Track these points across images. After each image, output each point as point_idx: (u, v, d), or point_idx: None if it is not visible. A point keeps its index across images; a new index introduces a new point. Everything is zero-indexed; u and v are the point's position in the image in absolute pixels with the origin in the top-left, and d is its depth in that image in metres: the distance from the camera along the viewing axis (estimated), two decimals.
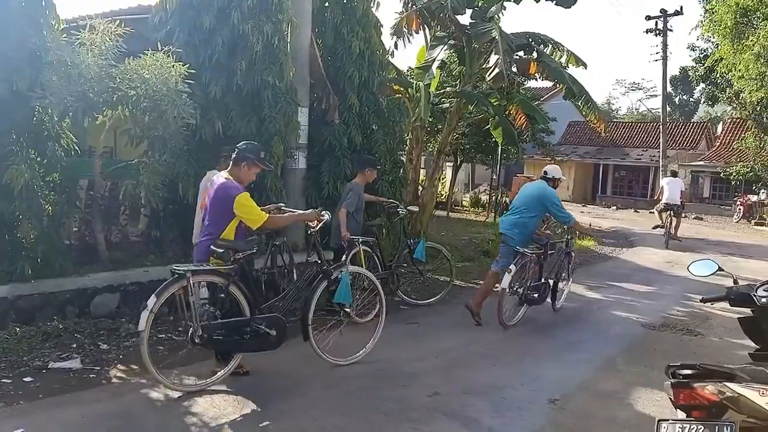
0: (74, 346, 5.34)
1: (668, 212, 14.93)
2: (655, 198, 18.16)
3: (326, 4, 8.76)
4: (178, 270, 4.38)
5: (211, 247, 4.61)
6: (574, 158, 34.98)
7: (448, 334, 6.47)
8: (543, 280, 7.09)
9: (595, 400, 4.76)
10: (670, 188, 15.05)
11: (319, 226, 5.22)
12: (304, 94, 8.18)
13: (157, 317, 5.02)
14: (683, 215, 15.95)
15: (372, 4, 9.04)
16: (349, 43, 8.50)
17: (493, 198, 20.04)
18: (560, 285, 7.61)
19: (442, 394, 4.67)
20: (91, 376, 4.82)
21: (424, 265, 7.90)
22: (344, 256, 6.42)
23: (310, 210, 5.52)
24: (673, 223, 14.94)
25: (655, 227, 15.99)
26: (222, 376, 4.69)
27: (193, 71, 6.18)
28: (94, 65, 5.68)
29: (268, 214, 4.86)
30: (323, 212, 5.28)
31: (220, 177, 4.87)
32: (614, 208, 30.09)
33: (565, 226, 7.71)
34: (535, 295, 6.89)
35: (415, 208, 8.30)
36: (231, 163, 4.86)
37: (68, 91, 5.54)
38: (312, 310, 5.02)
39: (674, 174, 16.68)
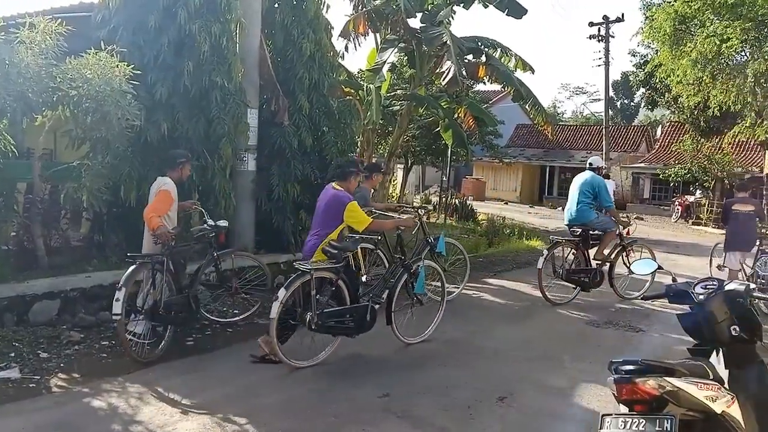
0: (12, 355, 5.14)
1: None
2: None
3: (276, 6, 8.71)
4: (303, 267, 5.13)
5: (326, 248, 5.37)
6: (521, 160, 35.68)
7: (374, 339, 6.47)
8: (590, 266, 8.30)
9: (543, 396, 4.87)
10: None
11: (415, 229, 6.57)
12: (253, 95, 8.10)
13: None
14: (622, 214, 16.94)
15: (322, 6, 9.03)
16: (299, 44, 8.47)
17: (444, 199, 20.24)
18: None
19: (393, 395, 4.69)
20: (31, 385, 4.65)
21: (445, 259, 7.97)
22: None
23: (406, 216, 6.94)
24: None
25: None
26: (326, 356, 5.42)
27: (137, 71, 6.04)
28: (33, 64, 5.49)
29: (371, 219, 5.79)
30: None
31: (331, 187, 5.77)
32: (560, 209, 30.67)
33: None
34: (583, 278, 8.19)
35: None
36: (340, 178, 5.82)
37: (6, 90, 5.34)
38: (395, 299, 5.84)
39: (606, 177, 17.49)
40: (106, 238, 7.19)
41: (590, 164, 8.79)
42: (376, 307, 5.64)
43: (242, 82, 7.66)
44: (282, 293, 5.05)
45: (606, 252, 8.53)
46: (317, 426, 4.14)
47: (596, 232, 8.43)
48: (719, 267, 9.03)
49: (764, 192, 25.47)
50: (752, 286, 3.29)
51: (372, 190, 8.32)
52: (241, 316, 6.72)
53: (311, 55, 8.56)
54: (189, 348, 5.73)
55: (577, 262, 8.39)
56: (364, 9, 11.00)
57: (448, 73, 9.48)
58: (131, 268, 5.22)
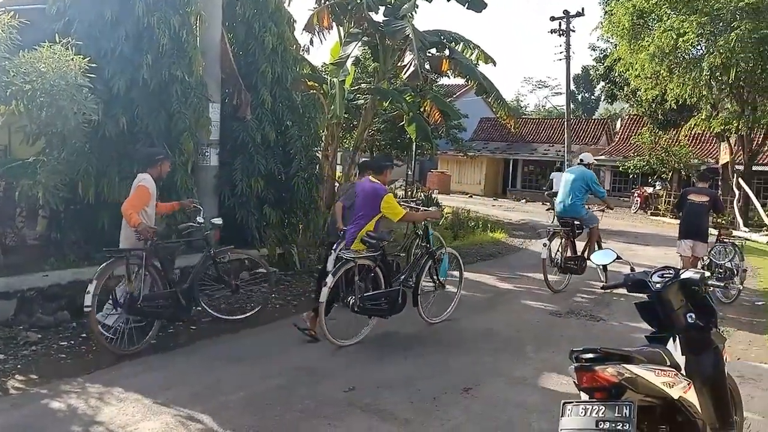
0: None
1: (555, 198, 16.86)
2: (545, 188, 21.53)
3: None
4: (347, 256, 5.67)
5: (365, 237, 5.92)
6: (485, 153, 35.99)
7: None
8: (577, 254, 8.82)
9: (507, 386, 4.93)
10: (557, 180, 17.40)
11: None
12: (215, 89, 7.99)
13: None
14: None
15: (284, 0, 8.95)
16: (261, 38, 8.39)
17: (409, 193, 20.30)
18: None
19: (358, 389, 4.70)
20: None
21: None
22: (336, 245, 6.83)
23: (434, 208, 8.09)
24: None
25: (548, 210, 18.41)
26: (364, 336, 5.94)
27: (94, 65, 5.88)
28: None
29: (405, 211, 6.44)
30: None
31: (367, 180, 6.30)
32: (524, 201, 31.19)
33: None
34: (572, 266, 8.70)
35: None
36: (376, 171, 6.37)
37: None
38: (421, 283, 6.49)
39: (559, 169, 20.62)
40: (63, 236, 7.01)
41: (581, 160, 9.44)
42: (408, 291, 6.29)
43: (203, 76, 7.55)
44: (330, 279, 5.61)
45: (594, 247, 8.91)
46: (282, 422, 4.12)
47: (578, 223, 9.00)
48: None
49: (719, 183, 26.24)
50: (707, 274, 3.39)
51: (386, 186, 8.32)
52: (248, 313, 6.67)
53: (274, 48, 8.48)
54: (152, 346, 5.63)
55: (571, 250, 8.95)
56: (328, 2, 10.94)
57: (409, 67, 9.51)
58: (106, 262, 5.32)
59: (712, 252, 8.54)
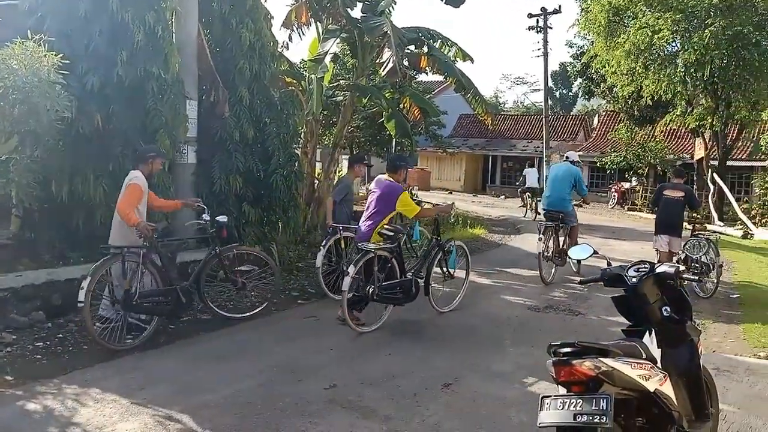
0: None
1: (527, 193, 20.50)
2: (518, 183, 23.18)
3: None
4: (367, 248, 6.06)
5: (382, 231, 6.32)
6: (464, 150, 36.13)
7: (345, 327, 6.49)
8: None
9: (487, 381, 4.96)
10: (530, 176, 21.10)
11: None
12: (192, 86, 7.91)
13: None
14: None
15: None
16: (238, 34, 8.31)
17: None
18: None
19: (339, 387, 4.69)
20: None
21: (420, 245, 8.69)
22: (324, 241, 7.41)
23: (445, 204, 8.26)
24: (533, 205, 19.65)
25: (520, 207, 20.67)
26: (382, 322, 6.36)
27: (67, 61, 5.78)
28: None
29: (420, 207, 6.98)
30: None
31: (384, 178, 6.68)
32: (503, 197, 31.38)
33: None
34: (557, 258, 9.12)
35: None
36: (391, 170, 6.74)
37: None
38: (431, 273, 6.84)
39: (531, 166, 22.64)
40: (38, 235, 6.89)
41: (567, 157, 9.92)
42: (420, 281, 6.64)
43: (180, 73, 7.45)
44: (352, 269, 5.99)
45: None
46: (263, 420, 4.10)
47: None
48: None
49: (695, 178, 26.62)
50: (681, 268, 3.43)
51: (356, 179, 8.79)
52: (255, 311, 6.70)
53: (251, 45, 8.41)
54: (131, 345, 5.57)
55: (555, 244, 9.30)
56: None
57: (388, 63, 9.49)
58: (102, 259, 5.45)
59: (687, 246, 8.66)
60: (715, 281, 8.50)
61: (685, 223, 8.92)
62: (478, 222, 16.87)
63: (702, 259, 8.50)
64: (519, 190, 21.42)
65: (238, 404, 4.34)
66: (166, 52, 7.02)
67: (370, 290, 6.09)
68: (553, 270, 9.21)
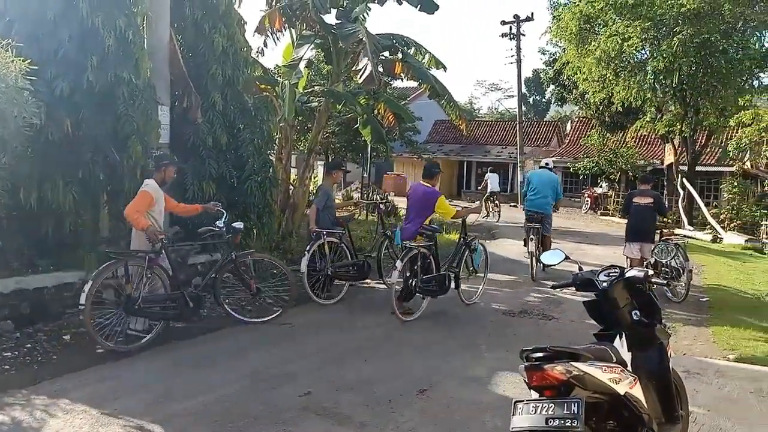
0: None
1: (491, 198, 21.52)
2: (480, 188, 25.09)
3: None
4: (411, 245, 6.94)
5: (422, 230, 7.21)
6: (440, 155, 36.32)
7: (322, 333, 6.48)
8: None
9: (462, 387, 4.98)
10: (492, 181, 22.22)
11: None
12: (164, 91, 7.80)
13: None
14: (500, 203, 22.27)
15: (234, 1, 8.82)
16: (211, 39, 8.24)
17: (365, 196, 20.30)
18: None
19: (314, 393, 4.67)
20: None
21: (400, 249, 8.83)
22: (308, 246, 7.60)
23: (475, 205, 9.65)
24: (496, 208, 21.21)
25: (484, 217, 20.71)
26: (421, 311, 7.20)
27: (35, 67, 5.67)
28: None
29: (456, 209, 7.78)
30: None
31: (422, 184, 7.57)
32: (478, 202, 31.48)
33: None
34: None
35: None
36: (427, 177, 7.60)
37: None
38: (461, 269, 7.73)
39: (493, 171, 23.42)
40: (6, 243, 6.73)
41: (546, 164, 11.15)
42: (452, 275, 7.41)
43: (151, 78, 7.35)
44: (399, 264, 6.80)
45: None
46: (236, 429, 4.06)
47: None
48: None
49: (665, 183, 27.09)
50: (650, 272, 3.49)
51: (334, 185, 9.12)
52: (271, 316, 6.80)
53: (224, 50, 8.34)
54: (101, 355, 5.48)
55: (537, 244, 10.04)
56: (279, 4, 10.85)
57: (365, 71, 9.50)
58: (106, 263, 5.65)
59: (656, 251, 8.80)
60: (685, 285, 8.62)
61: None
62: (453, 227, 16.92)
63: (671, 264, 8.64)
64: (484, 197, 21.39)
65: (212, 413, 4.29)
66: (137, 57, 6.92)
67: (413, 283, 6.90)
68: (539, 265, 9.87)
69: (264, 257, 7.37)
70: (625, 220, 9.50)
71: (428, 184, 7.51)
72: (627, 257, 8.91)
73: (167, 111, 7.84)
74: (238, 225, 6.66)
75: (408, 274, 7.02)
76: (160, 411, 4.28)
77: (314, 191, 10.71)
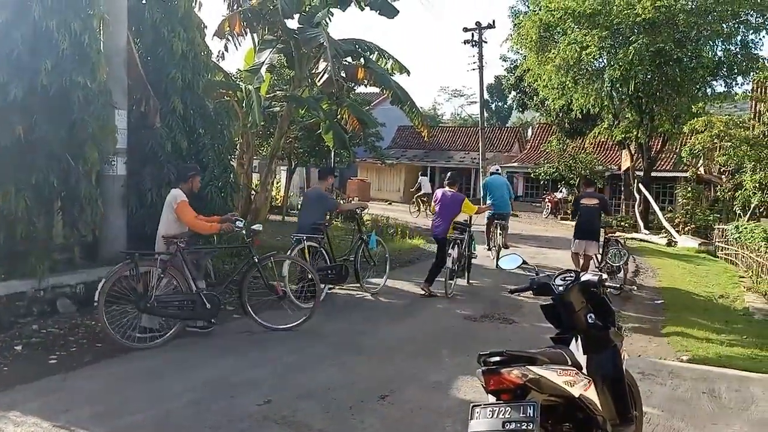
0: None
1: (422, 198, 24.68)
2: (413, 189, 27.40)
3: (143, 2, 8.29)
4: (453, 237, 8.88)
5: (455, 224, 9.08)
6: (403, 161, 36.48)
7: (286, 339, 6.42)
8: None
9: (423, 392, 4.99)
10: (424, 183, 26.04)
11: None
12: (121, 96, 7.68)
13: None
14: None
15: (194, 4, 8.72)
16: (170, 43, 8.13)
17: None
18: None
19: (274, 402, 4.62)
20: None
21: (376, 252, 9.38)
22: (289, 251, 7.74)
23: (485, 205, 11.55)
24: (423, 207, 24.09)
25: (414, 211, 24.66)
26: (453, 291, 8.86)
27: None
28: None
29: (477, 207, 9.82)
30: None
31: (447, 190, 9.23)
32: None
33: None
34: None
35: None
36: (450, 184, 9.35)
37: None
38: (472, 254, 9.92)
39: (423, 174, 27.64)
40: None
41: (496, 170, 13.05)
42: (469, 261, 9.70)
43: (108, 82, 7.22)
44: (453, 251, 8.70)
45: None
46: None
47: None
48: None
49: (622, 188, 27.71)
50: (604, 276, 3.56)
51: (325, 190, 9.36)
52: (295, 323, 6.66)
53: (183, 54, 8.24)
54: (52, 366, 5.32)
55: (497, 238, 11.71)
56: (240, 8, 10.77)
57: (323, 74, 9.50)
58: (120, 264, 5.94)
59: (609, 256, 9.19)
60: (623, 277, 9.42)
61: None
62: (416, 232, 17.00)
63: (614, 262, 9.35)
64: (415, 196, 25.64)
65: (167, 424, 4.21)
66: (94, 61, 6.78)
67: (455, 267, 8.80)
68: (497, 255, 11.37)
69: (287, 258, 7.44)
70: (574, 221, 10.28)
71: (453, 190, 9.17)
72: (575, 254, 9.71)
73: (125, 115, 7.71)
74: (257, 227, 6.75)
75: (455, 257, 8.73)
76: (113, 422, 4.18)
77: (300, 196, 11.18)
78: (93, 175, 6.98)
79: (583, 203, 9.68)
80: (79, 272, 7.09)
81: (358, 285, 8.78)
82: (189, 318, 6.23)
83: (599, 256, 9.70)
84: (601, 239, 9.83)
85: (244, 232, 6.55)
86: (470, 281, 9.86)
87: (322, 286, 7.81)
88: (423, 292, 8.69)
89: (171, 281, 6.14)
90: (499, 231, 11.73)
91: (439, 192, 9.38)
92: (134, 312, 5.97)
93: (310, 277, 7.36)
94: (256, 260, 6.56)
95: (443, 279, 8.75)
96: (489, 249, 12.13)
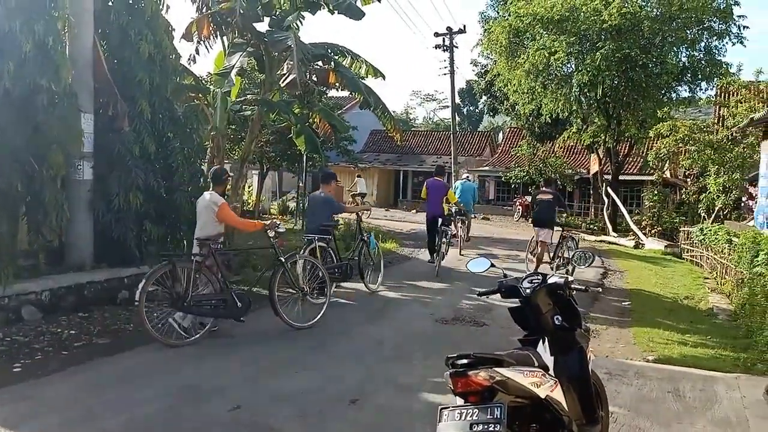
0: None
1: (358, 197, 26.64)
2: (350, 189, 28.55)
3: (110, 4, 8.17)
4: (448, 213, 11.25)
5: (449, 208, 11.63)
6: (376, 165, 36.53)
7: (256, 343, 6.38)
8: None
9: (393, 395, 5.00)
10: (360, 184, 27.80)
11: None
12: (87, 99, 7.56)
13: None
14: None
15: (161, 7, 8.61)
16: (137, 45, 8.02)
17: (301, 205, 20.15)
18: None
19: (246, 407, 4.59)
20: None
21: (376, 252, 9.78)
22: (302, 250, 8.11)
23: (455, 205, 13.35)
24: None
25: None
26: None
27: None
28: None
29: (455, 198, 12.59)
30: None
31: (437, 180, 11.62)
32: (414, 211, 31.80)
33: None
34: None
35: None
36: (437, 174, 11.88)
37: None
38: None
39: (359, 176, 28.81)
40: None
41: (466, 177, 16.48)
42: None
43: (73, 85, 7.11)
44: (454, 228, 12.14)
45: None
46: None
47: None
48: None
49: (591, 191, 28.12)
50: (570, 278, 3.61)
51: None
52: (313, 320, 7.01)
53: (151, 56, 8.14)
54: (17, 375, 5.20)
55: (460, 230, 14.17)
56: (209, 11, 10.67)
57: (288, 76, 9.46)
58: (158, 265, 6.22)
59: (574, 258, 9.38)
60: (571, 269, 9.95)
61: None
62: (389, 236, 17.04)
63: (565, 254, 10.60)
64: (351, 195, 27.41)
65: (136, 431, 4.15)
66: (58, 64, 6.68)
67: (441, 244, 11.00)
68: (462, 244, 14.03)
69: (308, 258, 7.73)
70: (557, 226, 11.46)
71: (440, 179, 11.75)
72: (533, 240, 11.66)
73: (91, 119, 7.60)
74: (282, 229, 7.02)
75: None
76: (81, 430, 4.11)
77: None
78: (58, 179, 6.86)
79: (539, 198, 11.47)
80: (45, 279, 6.96)
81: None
82: (221, 316, 6.51)
83: (551, 250, 11.13)
84: (557, 236, 11.23)
85: (270, 234, 6.87)
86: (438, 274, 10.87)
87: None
88: (432, 263, 11.24)
89: (204, 281, 6.41)
90: (460, 225, 14.14)
91: (429, 180, 11.65)
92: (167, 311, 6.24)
93: (320, 275, 7.57)
94: (282, 260, 6.86)
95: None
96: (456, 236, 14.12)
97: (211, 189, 6.89)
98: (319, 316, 7.07)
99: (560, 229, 11.45)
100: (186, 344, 6.13)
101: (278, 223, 7.10)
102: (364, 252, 9.33)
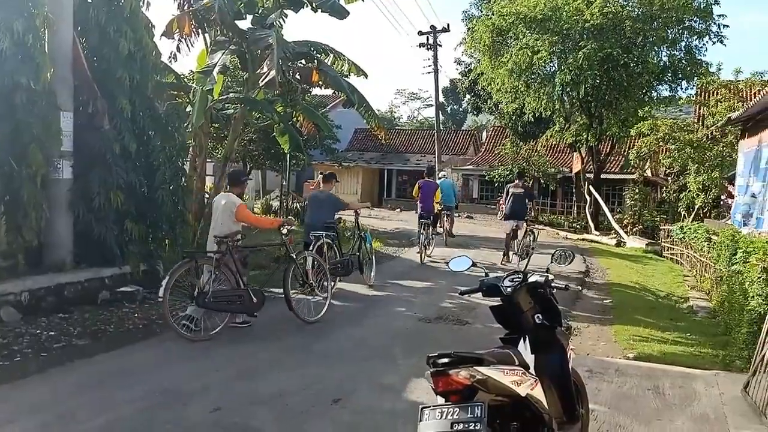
0: None
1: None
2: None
3: (89, 1, 8.08)
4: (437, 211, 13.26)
5: (438, 205, 13.06)
6: (360, 164, 36.49)
7: (237, 343, 6.35)
8: None
9: (375, 395, 5.00)
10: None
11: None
12: (67, 97, 7.48)
13: None
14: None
15: (141, 4, 8.54)
16: (116, 43, 7.94)
17: (285, 204, 20.11)
18: None
19: (225, 409, 4.56)
20: None
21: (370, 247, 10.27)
22: (311, 246, 8.32)
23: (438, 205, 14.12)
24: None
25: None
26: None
27: None
28: None
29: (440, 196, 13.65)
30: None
31: (428, 179, 13.23)
32: (398, 210, 31.89)
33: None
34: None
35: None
36: (428, 174, 13.60)
37: None
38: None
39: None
40: None
41: (444, 176, 17.25)
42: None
43: (53, 83, 7.03)
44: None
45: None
46: None
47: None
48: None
49: (573, 190, 28.32)
50: (551, 277, 3.63)
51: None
52: (320, 315, 7.31)
53: (131, 54, 8.06)
54: None
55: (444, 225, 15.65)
56: (190, 8, 10.59)
57: (268, 74, 9.42)
58: (180, 262, 6.47)
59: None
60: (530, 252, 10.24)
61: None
62: (373, 235, 16.99)
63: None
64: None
65: None
66: (37, 62, 6.60)
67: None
68: (446, 238, 15.35)
69: (316, 255, 7.92)
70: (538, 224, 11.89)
71: (430, 180, 13.25)
72: (506, 232, 12.64)
73: (70, 117, 7.52)
74: (293, 227, 7.28)
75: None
76: None
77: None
78: (38, 178, 6.78)
79: (511, 191, 12.39)
80: (24, 279, 6.87)
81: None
82: (238, 311, 6.68)
83: (520, 236, 12.12)
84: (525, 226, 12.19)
85: (283, 231, 7.10)
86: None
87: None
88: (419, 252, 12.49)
89: (221, 278, 6.59)
90: (446, 219, 15.62)
91: (421, 181, 13.08)
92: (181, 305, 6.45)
93: (323, 271, 7.85)
94: (293, 256, 7.16)
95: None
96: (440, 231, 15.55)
97: (227, 190, 7.23)
98: (324, 311, 7.35)
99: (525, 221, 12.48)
100: (202, 339, 6.34)
101: (292, 221, 7.27)
102: (362, 248, 9.69)
